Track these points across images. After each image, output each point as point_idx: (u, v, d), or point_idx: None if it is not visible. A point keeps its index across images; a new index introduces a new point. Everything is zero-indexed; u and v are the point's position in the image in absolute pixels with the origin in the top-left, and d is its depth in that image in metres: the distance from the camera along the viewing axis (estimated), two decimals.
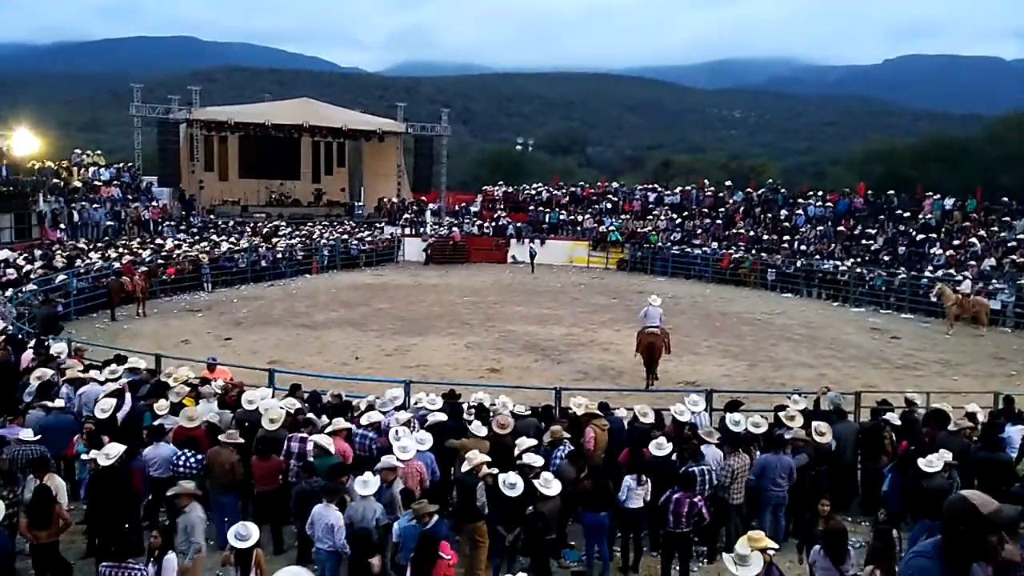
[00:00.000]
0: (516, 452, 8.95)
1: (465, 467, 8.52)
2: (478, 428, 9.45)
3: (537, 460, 8.62)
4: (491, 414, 10.20)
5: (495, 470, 8.43)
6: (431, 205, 43.19)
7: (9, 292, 19.98)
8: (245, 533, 6.77)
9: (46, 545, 7.76)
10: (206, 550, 7.68)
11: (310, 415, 9.92)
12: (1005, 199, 31.78)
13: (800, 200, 36.58)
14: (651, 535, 9.24)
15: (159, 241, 31.31)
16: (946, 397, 12.67)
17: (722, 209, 37.77)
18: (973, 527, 3.10)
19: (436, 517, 7.33)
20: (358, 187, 50.25)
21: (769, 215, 36.26)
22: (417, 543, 7.02)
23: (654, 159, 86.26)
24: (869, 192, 35.57)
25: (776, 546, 7.19)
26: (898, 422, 10.62)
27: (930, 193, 33.32)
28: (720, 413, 11.05)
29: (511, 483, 7.99)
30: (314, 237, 35.94)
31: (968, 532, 3.11)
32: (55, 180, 32.93)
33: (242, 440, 9.16)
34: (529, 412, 10.47)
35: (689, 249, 35.32)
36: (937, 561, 3.17)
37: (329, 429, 9.43)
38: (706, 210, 38.14)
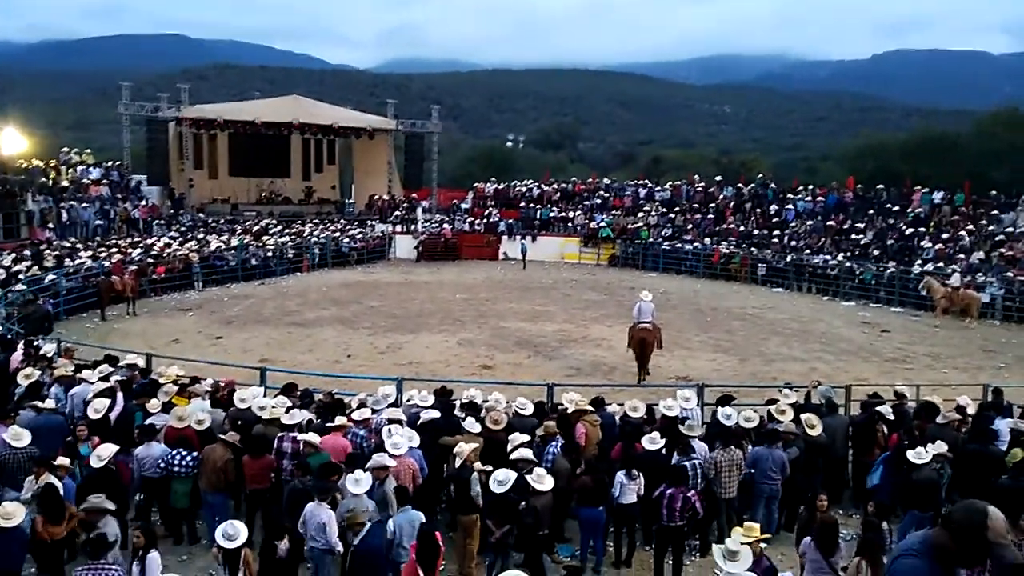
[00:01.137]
0: (509, 448, 8.97)
1: (457, 462, 8.53)
2: (472, 424, 9.45)
3: (528, 454, 8.63)
4: (485, 410, 10.19)
5: (488, 467, 8.45)
6: (423, 202, 43.13)
7: None
8: (233, 533, 6.76)
9: (59, 543, 7.72)
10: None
11: (294, 412, 9.84)
12: (993, 193, 31.98)
13: (790, 195, 36.71)
14: (644, 529, 9.28)
15: (149, 240, 31.17)
16: (936, 390, 12.76)
17: (712, 204, 37.88)
18: (970, 536, 3.07)
19: (368, 527, 7.31)
20: (349, 184, 50.11)
21: (759, 210, 36.36)
22: (418, 538, 7.07)
23: (645, 155, 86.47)
24: (859, 187, 35.69)
25: (766, 536, 7.22)
26: (891, 415, 10.69)
27: (919, 187, 33.46)
28: (712, 407, 11.09)
29: (499, 480, 8.01)
30: (305, 235, 35.84)
31: (963, 536, 3.08)
32: (43, 179, 32.71)
33: (240, 446, 9.14)
34: (531, 412, 10.32)
35: (680, 244, 35.40)
36: (926, 560, 3.15)
37: (329, 425, 9.42)
38: (697, 206, 38.23)
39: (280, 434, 9.29)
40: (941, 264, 27.40)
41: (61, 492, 7.87)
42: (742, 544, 6.57)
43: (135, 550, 6.78)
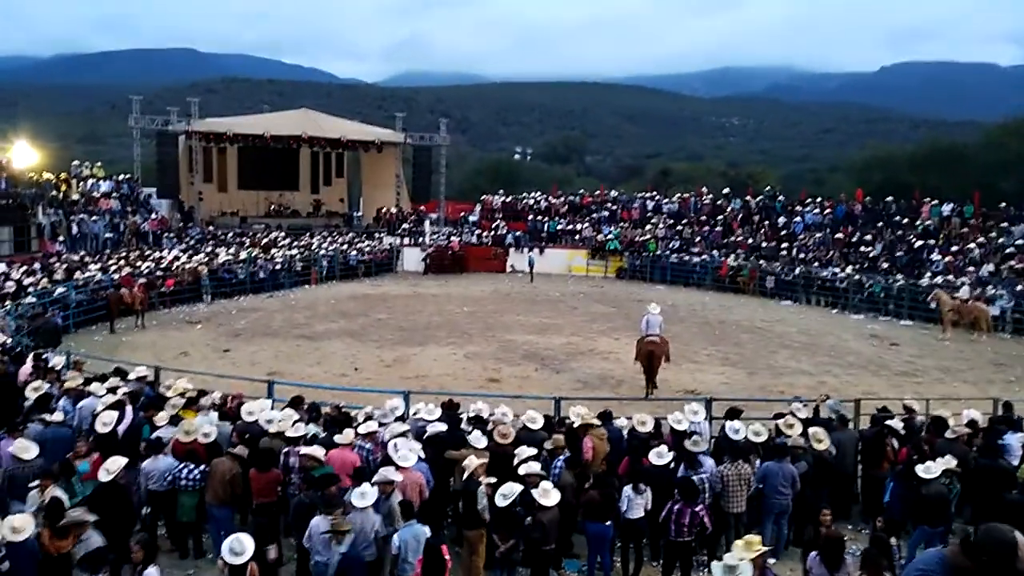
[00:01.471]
0: (515, 461, 8.94)
1: (465, 475, 8.51)
2: (477, 438, 9.41)
3: (537, 468, 8.59)
4: (492, 424, 10.16)
5: (493, 479, 8.44)
6: (431, 215, 43.21)
7: (8, 305, 19.97)
8: (239, 548, 6.69)
9: (64, 556, 7.72)
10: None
11: (299, 425, 9.84)
12: (1003, 205, 31.86)
13: (798, 207, 36.64)
14: (651, 544, 9.23)
15: (158, 253, 31.31)
16: (946, 404, 12.67)
17: (720, 217, 37.83)
18: (1000, 562, 3.00)
19: (352, 536, 7.28)
20: (357, 197, 50.31)
21: (767, 222, 36.30)
22: (424, 553, 7.06)
23: (652, 167, 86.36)
24: (867, 199, 35.63)
25: (769, 549, 7.12)
26: (901, 429, 10.63)
27: (928, 199, 33.37)
28: (720, 421, 11.04)
29: (504, 494, 7.99)
30: (313, 248, 35.94)
31: (991, 561, 3.02)
32: (54, 192, 32.96)
33: (248, 459, 9.14)
34: (541, 426, 10.27)
35: (688, 257, 35.35)
36: None
37: (339, 439, 9.39)
38: (704, 218, 38.20)
39: (286, 448, 9.30)
40: (951, 277, 27.27)
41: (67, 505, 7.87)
42: (741, 560, 6.53)
43: (134, 565, 6.76)
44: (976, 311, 23.96)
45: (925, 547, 8.31)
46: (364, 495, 7.79)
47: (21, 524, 7.11)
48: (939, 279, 27.11)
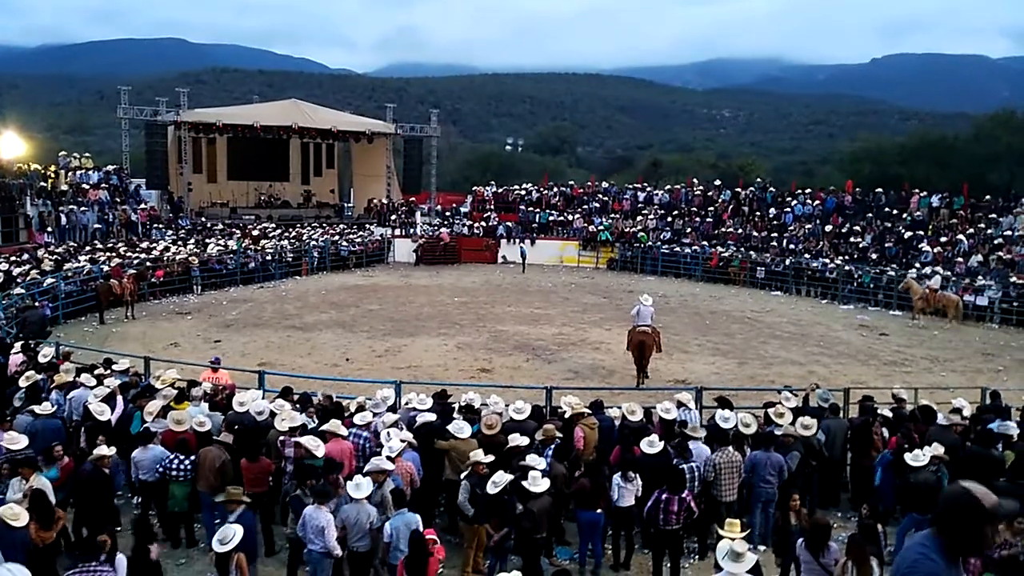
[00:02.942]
0: (506, 449, 8.96)
1: (467, 468, 8.52)
2: (459, 428, 9.34)
3: (536, 461, 8.60)
4: (486, 412, 10.16)
5: (485, 469, 8.46)
6: (422, 206, 43.13)
7: None
8: (223, 538, 6.76)
9: (49, 547, 7.71)
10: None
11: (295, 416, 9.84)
12: (988, 197, 32.04)
13: (789, 198, 36.75)
14: (642, 532, 9.27)
15: (147, 244, 31.14)
16: (934, 393, 12.77)
17: (711, 208, 37.93)
18: (973, 519, 3.07)
19: (243, 508, 7.29)
20: (348, 188, 50.14)
21: (758, 214, 36.40)
22: (409, 544, 7.07)
23: (643, 159, 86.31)
24: (857, 190, 35.75)
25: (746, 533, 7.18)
26: (890, 415, 10.72)
27: (917, 191, 33.53)
28: (710, 411, 11.08)
29: (495, 482, 8.02)
30: (304, 238, 35.83)
31: (967, 523, 3.07)
32: (42, 183, 32.71)
33: (235, 447, 9.12)
34: (526, 416, 10.27)
35: (679, 248, 35.44)
36: (940, 560, 3.14)
37: (334, 430, 9.35)
38: (695, 209, 38.27)
39: (282, 438, 9.29)
40: (939, 268, 27.45)
41: (51, 498, 7.85)
42: (733, 537, 6.63)
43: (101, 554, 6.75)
44: (944, 300, 24.40)
45: (915, 533, 8.38)
46: (359, 487, 7.80)
47: (19, 512, 7.11)
48: (928, 270, 27.29)
